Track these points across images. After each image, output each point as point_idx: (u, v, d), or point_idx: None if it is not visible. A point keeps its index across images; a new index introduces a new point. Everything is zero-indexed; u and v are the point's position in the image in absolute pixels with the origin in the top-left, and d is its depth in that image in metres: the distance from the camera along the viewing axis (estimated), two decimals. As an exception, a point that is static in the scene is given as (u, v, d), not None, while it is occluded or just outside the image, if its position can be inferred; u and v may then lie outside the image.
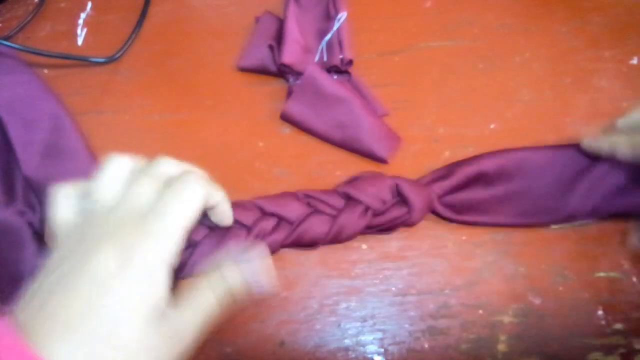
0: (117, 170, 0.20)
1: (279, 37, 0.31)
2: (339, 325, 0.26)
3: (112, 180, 0.19)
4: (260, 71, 0.32)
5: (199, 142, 0.31)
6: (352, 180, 0.28)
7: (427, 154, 0.30)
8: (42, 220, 0.28)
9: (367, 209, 0.26)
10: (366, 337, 0.26)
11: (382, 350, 0.26)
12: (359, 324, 0.26)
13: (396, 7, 0.34)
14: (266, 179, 0.30)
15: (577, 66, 0.32)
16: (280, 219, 0.26)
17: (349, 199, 0.26)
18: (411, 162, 0.29)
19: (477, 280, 0.27)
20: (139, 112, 0.32)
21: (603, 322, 0.26)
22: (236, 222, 0.26)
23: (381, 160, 0.29)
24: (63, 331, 0.16)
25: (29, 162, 0.28)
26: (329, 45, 0.31)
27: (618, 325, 0.25)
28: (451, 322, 0.26)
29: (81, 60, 0.33)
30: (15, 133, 0.29)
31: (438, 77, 0.32)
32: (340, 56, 0.31)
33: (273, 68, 0.31)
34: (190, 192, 0.19)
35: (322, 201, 0.26)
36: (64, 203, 0.20)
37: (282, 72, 0.31)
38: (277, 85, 0.32)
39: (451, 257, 0.27)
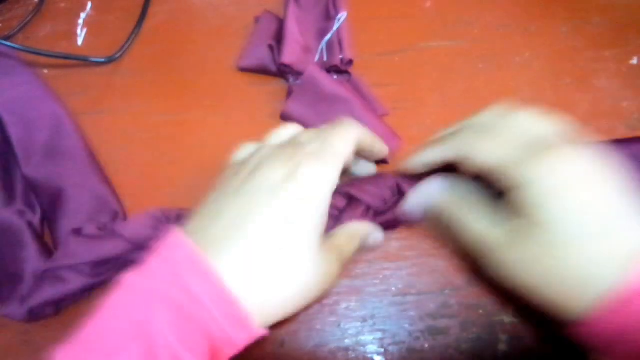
0: (288, 130, 0.24)
1: (279, 37, 0.31)
2: (339, 325, 0.26)
3: (282, 134, 0.24)
4: (260, 71, 0.32)
5: (199, 142, 0.31)
6: (354, 180, 0.28)
7: (427, 154, 0.30)
8: (42, 220, 0.28)
9: (368, 208, 0.26)
10: (366, 337, 0.26)
11: (382, 350, 0.26)
12: (359, 324, 0.26)
13: (396, 7, 0.34)
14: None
15: (577, 66, 0.32)
16: None
17: (351, 199, 0.26)
18: (411, 162, 0.30)
19: (477, 280, 0.27)
20: (139, 112, 0.32)
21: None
22: None
23: (381, 160, 0.29)
24: (224, 238, 0.19)
25: (28, 162, 0.28)
26: (329, 45, 0.31)
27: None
28: (451, 322, 0.26)
29: (81, 60, 0.33)
30: (15, 133, 0.29)
31: (438, 77, 0.32)
32: (340, 56, 0.31)
33: (273, 68, 0.31)
34: (346, 128, 0.22)
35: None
36: (243, 149, 0.24)
37: (282, 72, 0.31)
38: (277, 85, 0.32)
39: (451, 257, 0.27)
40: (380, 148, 0.25)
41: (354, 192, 0.26)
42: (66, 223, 0.26)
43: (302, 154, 0.21)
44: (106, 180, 0.29)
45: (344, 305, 0.26)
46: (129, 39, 0.33)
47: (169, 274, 0.18)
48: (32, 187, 0.28)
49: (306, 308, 0.21)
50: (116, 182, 0.30)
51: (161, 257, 0.19)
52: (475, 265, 0.23)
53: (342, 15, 0.31)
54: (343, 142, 0.22)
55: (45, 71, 0.33)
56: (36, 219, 0.27)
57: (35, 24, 0.35)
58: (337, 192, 0.27)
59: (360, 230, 0.25)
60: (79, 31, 0.34)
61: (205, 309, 0.17)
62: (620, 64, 0.32)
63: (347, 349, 0.26)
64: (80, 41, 0.34)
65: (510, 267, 0.20)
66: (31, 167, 0.28)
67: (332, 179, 0.21)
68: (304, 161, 0.20)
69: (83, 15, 0.35)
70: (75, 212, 0.27)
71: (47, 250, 0.27)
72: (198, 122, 0.31)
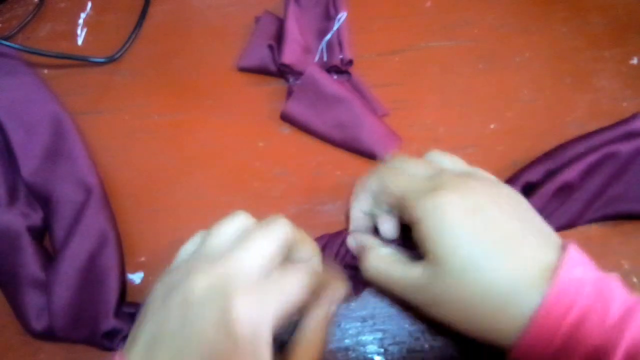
0: (232, 225, 0.21)
1: (279, 37, 0.31)
2: (339, 325, 0.26)
3: (225, 234, 0.20)
4: (260, 71, 0.32)
5: (198, 142, 0.31)
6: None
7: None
8: (44, 222, 0.28)
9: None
10: (366, 337, 0.26)
11: (382, 350, 0.26)
12: (359, 323, 0.26)
13: (396, 7, 0.34)
14: (266, 178, 0.30)
15: (577, 66, 0.32)
16: None
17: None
18: (411, 162, 0.30)
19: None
20: (138, 112, 0.32)
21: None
22: None
23: (381, 160, 0.29)
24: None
25: (28, 164, 0.28)
26: (329, 45, 0.31)
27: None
28: (451, 322, 0.26)
29: (81, 60, 0.33)
30: (15, 136, 0.29)
31: (438, 77, 0.32)
32: (340, 56, 0.31)
33: (273, 68, 0.31)
34: (273, 227, 0.20)
35: None
36: (184, 248, 0.22)
37: (282, 72, 0.31)
38: (277, 85, 0.32)
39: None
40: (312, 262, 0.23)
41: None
42: (61, 227, 0.26)
43: (223, 259, 0.19)
44: (102, 182, 0.29)
45: (344, 305, 0.26)
46: (128, 39, 0.34)
47: None
48: (31, 191, 0.28)
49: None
50: (116, 181, 0.30)
51: None
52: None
53: (342, 16, 0.31)
54: (265, 240, 0.20)
55: (45, 71, 0.33)
56: (38, 221, 0.27)
57: (35, 24, 0.35)
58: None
59: (320, 317, 0.21)
60: (79, 31, 0.34)
61: None
62: (620, 63, 0.32)
63: (347, 349, 0.26)
64: (80, 41, 0.34)
65: (431, 305, 0.21)
66: (31, 170, 0.28)
67: (248, 281, 0.18)
68: (222, 268, 0.18)
69: (83, 16, 0.35)
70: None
71: (46, 255, 0.27)
72: (198, 121, 0.31)
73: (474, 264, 0.19)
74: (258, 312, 0.18)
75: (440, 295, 0.20)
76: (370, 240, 0.24)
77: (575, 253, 0.19)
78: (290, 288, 0.19)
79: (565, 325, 0.17)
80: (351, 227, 0.26)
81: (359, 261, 0.24)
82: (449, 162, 0.24)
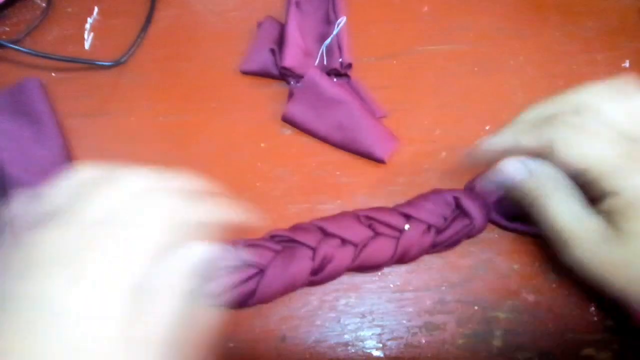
0: (76, 179, 0.17)
1: (281, 41, 0.32)
2: (339, 320, 0.27)
3: (68, 188, 0.16)
4: (262, 74, 0.33)
5: (202, 143, 0.31)
6: (412, 200, 0.27)
7: (424, 155, 0.30)
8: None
9: (429, 227, 0.26)
10: (365, 333, 0.26)
11: (381, 345, 0.26)
12: (358, 319, 0.27)
13: (394, 12, 0.35)
14: (268, 178, 0.30)
15: (570, 69, 0.33)
16: (344, 241, 0.25)
17: (409, 219, 0.26)
18: (409, 163, 0.30)
19: (473, 277, 0.27)
20: (144, 114, 0.32)
21: (596, 319, 0.26)
22: (300, 244, 0.25)
23: (379, 161, 0.30)
24: None
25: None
26: (329, 49, 0.32)
27: (610, 322, 0.26)
28: (447, 317, 0.26)
29: (88, 64, 0.33)
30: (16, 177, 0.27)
31: (435, 80, 0.33)
32: (340, 59, 0.31)
33: (275, 71, 0.32)
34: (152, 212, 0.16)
35: (384, 223, 0.26)
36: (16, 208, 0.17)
37: (284, 75, 0.32)
38: (278, 88, 0.33)
39: (447, 255, 0.28)
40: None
41: (412, 212, 0.25)
42: None
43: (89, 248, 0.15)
44: None
45: (343, 301, 0.27)
46: (134, 43, 0.34)
47: None
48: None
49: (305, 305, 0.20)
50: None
51: None
52: (550, 251, 0.20)
53: (342, 20, 0.32)
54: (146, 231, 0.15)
55: (53, 74, 0.34)
56: None
57: (43, 28, 0.36)
58: (396, 212, 0.26)
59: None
60: (86, 35, 0.35)
61: None
62: (613, 67, 0.32)
63: (346, 344, 0.26)
64: (87, 45, 0.35)
65: (597, 265, 0.19)
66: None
67: (128, 276, 0.15)
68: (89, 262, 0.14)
69: (90, 20, 0.36)
70: None
71: None
72: (202, 123, 0.32)
73: None
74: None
75: (616, 263, 0.18)
76: (540, 167, 0.20)
77: None
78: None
79: None
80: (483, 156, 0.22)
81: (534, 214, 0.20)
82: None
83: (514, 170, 0.21)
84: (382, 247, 0.25)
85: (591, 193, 0.19)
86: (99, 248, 0.15)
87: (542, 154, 0.20)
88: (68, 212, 0.16)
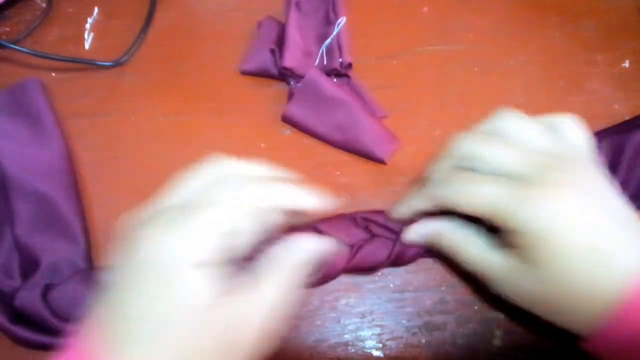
0: (203, 173, 0.19)
1: (281, 41, 0.32)
2: (339, 321, 0.27)
3: (192, 182, 0.19)
4: (262, 74, 0.33)
5: (202, 143, 0.31)
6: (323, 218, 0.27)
7: (424, 155, 0.30)
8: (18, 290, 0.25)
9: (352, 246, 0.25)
10: (365, 333, 0.26)
11: (381, 345, 0.26)
12: (358, 319, 0.27)
13: (394, 12, 0.35)
14: (268, 179, 0.30)
15: (570, 69, 0.33)
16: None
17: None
18: (409, 163, 0.30)
19: (473, 277, 0.27)
20: (144, 114, 0.32)
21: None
22: None
23: (379, 161, 0.30)
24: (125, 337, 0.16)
25: (22, 227, 0.26)
26: (329, 49, 0.32)
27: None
28: (447, 317, 0.26)
29: (88, 64, 0.33)
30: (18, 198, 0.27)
31: (435, 80, 0.33)
32: (340, 60, 0.31)
33: (274, 71, 0.32)
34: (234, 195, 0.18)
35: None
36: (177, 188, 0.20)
37: (284, 75, 0.32)
38: (278, 88, 0.33)
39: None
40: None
41: (323, 228, 0.25)
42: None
43: (170, 225, 0.17)
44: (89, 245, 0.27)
45: (343, 301, 0.27)
46: (134, 43, 0.34)
47: None
48: (19, 250, 0.26)
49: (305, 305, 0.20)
50: (122, 182, 0.30)
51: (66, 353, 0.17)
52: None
53: (342, 20, 0.32)
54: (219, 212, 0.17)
55: (53, 74, 0.34)
56: (12, 288, 0.25)
57: (43, 28, 0.36)
58: (308, 227, 0.25)
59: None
60: (86, 35, 0.35)
61: None
62: (612, 67, 0.32)
63: (346, 344, 0.26)
64: (87, 45, 0.35)
65: (519, 298, 0.21)
66: (22, 231, 0.26)
67: (201, 250, 0.17)
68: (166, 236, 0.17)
69: (90, 20, 0.36)
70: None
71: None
72: (202, 123, 0.32)
73: (570, 273, 0.19)
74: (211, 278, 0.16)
75: (527, 290, 0.20)
76: (446, 225, 0.22)
77: None
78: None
79: None
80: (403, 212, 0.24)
81: (439, 246, 0.23)
82: (523, 134, 0.21)
83: (420, 238, 0.24)
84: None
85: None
86: (180, 227, 0.17)
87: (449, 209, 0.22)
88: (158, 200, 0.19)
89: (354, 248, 0.25)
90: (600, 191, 0.20)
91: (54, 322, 0.24)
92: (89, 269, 0.27)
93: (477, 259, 0.22)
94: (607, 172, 0.27)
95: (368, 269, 0.26)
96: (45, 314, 0.24)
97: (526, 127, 0.21)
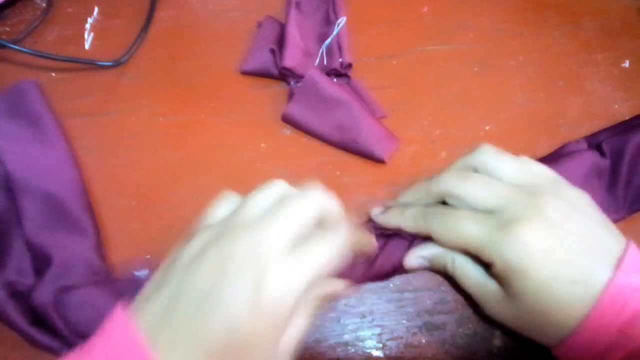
0: (270, 192, 0.21)
1: (281, 41, 0.32)
2: (339, 321, 0.27)
3: (263, 200, 0.21)
4: (262, 74, 0.33)
5: (202, 143, 0.31)
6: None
7: (424, 155, 0.30)
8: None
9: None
10: (365, 333, 0.26)
11: (381, 345, 0.26)
12: (358, 319, 0.27)
13: (394, 12, 0.35)
14: (268, 178, 0.30)
15: (570, 69, 0.33)
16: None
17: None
18: (409, 163, 0.30)
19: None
20: (144, 114, 0.32)
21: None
22: None
23: (379, 161, 0.30)
24: (172, 333, 0.17)
25: (31, 226, 0.26)
26: (329, 49, 0.32)
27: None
28: (447, 317, 0.27)
29: (88, 64, 0.33)
30: (26, 200, 0.27)
31: (435, 80, 0.33)
32: (340, 60, 0.31)
33: (275, 71, 0.32)
34: (309, 194, 0.21)
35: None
36: (218, 207, 0.22)
37: (284, 75, 0.32)
38: (278, 88, 0.33)
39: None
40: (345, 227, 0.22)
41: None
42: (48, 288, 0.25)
43: (238, 234, 0.19)
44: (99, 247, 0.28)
45: (343, 301, 0.27)
46: (134, 43, 0.34)
47: (108, 358, 0.17)
48: (31, 250, 0.26)
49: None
50: (122, 182, 0.30)
51: (104, 338, 0.18)
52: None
53: (342, 20, 0.32)
54: (288, 216, 0.20)
55: (53, 74, 0.34)
56: (28, 286, 0.25)
57: (43, 28, 0.36)
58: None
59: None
60: (86, 35, 0.35)
61: None
62: (612, 67, 0.33)
63: (346, 344, 0.26)
64: (87, 45, 0.35)
65: (505, 319, 0.23)
66: (32, 231, 0.26)
67: (269, 255, 0.18)
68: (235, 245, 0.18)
69: (90, 20, 0.36)
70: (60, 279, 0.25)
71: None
72: (202, 123, 0.32)
73: (548, 301, 0.21)
74: (289, 282, 0.18)
75: (511, 314, 0.22)
76: (446, 251, 0.24)
77: (633, 257, 0.20)
78: (324, 257, 0.19)
79: (617, 322, 0.19)
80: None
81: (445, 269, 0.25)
82: (505, 171, 0.24)
83: (417, 264, 0.25)
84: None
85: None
86: (238, 241, 0.19)
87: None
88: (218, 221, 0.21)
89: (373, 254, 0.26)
90: (570, 218, 0.21)
91: (64, 330, 0.24)
92: (102, 272, 0.27)
93: (477, 284, 0.24)
94: (608, 174, 0.27)
95: (390, 273, 0.26)
96: (58, 321, 0.24)
97: (504, 164, 0.24)
